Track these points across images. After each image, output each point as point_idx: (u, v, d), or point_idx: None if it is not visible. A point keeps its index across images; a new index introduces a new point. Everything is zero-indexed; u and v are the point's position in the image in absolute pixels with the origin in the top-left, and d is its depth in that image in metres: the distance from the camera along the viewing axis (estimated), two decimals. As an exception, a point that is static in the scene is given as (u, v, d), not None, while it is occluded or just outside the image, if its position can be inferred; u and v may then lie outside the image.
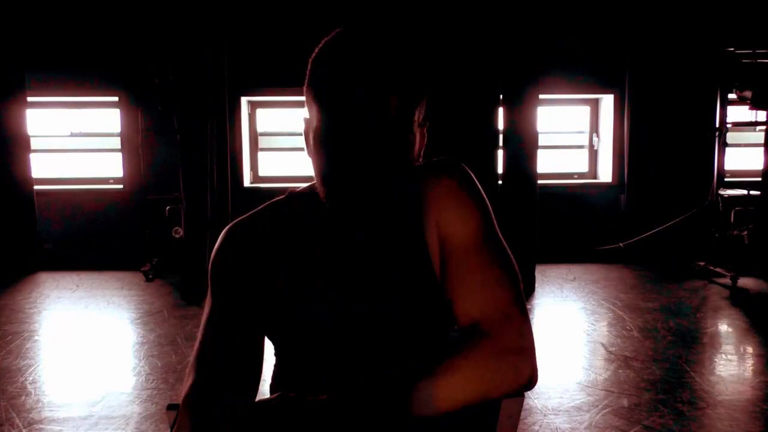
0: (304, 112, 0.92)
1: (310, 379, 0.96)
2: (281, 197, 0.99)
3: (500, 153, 4.57)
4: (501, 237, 0.93)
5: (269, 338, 0.98)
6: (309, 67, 0.87)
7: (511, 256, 0.92)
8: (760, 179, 4.89)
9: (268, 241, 0.94)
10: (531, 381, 0.88)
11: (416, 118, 0.88)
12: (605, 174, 5.94)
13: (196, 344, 0.91)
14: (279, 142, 5.97)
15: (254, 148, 5.87)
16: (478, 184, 0.95)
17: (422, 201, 0.93)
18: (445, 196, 0.92)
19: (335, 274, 0.93)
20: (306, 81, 0.88)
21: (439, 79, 4.47)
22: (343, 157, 0.84)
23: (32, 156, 5.36)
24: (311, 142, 0.88)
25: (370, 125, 0.82)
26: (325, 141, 0.85)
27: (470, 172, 0.95)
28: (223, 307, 0.92)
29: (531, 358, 0.88)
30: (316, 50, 0.88)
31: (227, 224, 0.98)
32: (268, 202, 0.99)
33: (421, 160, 0.94)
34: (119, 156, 5.78)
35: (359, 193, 0.85)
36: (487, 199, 0.94)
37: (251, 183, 5.81)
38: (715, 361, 3.19)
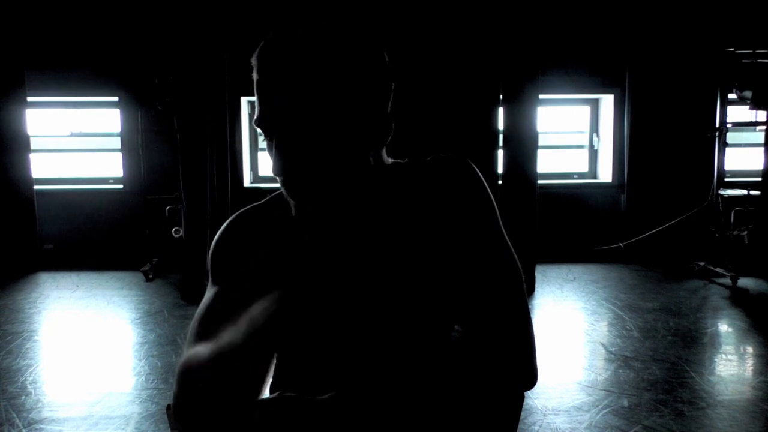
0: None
1: (310, 377, 0.96)
2: (281, 190, 1.00)
3: (500, 153, 4.57)
4: (506, 236, 0.92)
5: None
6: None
7: (515, 255, 0.91)
8: (760, 179, 4.89)
9: (269, 232, 0.95)
10: (531, 380, 0.88)
11: (372, 107, 0.86)
12: (605, 174, 5.93)
13: (194, 323, 0.91)
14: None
15: (254, 148, 5.87)
16: (484, 181, 0.94)
17: (428, 196, 0.92)
18: (453, 193, 0.91)
19: (333, 269, 0.93)
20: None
21: (440, 80, 4.47)
22: (282, 154, 0.83)
23: (32, 156, 5.35)
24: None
25: (303, 119, 0.81)
26: (267, 141, 0.85)
27: (477, 169, 0.94)
28: (223, 294, 0.92)
29: (531, 358, 0.88)
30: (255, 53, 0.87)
31: None
32: (270, 196, 1.00)
33: (382, 152, 0.93)
34: (119, 156, 5.78)
35: (309, 190, 0.85)
36: (492, 198, 0.94)
37: (251, 183, 5.81)
38: (715, 361, 3.19)
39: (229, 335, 0.80)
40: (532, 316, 0.93)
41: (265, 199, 1.01)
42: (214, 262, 0.96)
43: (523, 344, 0.87)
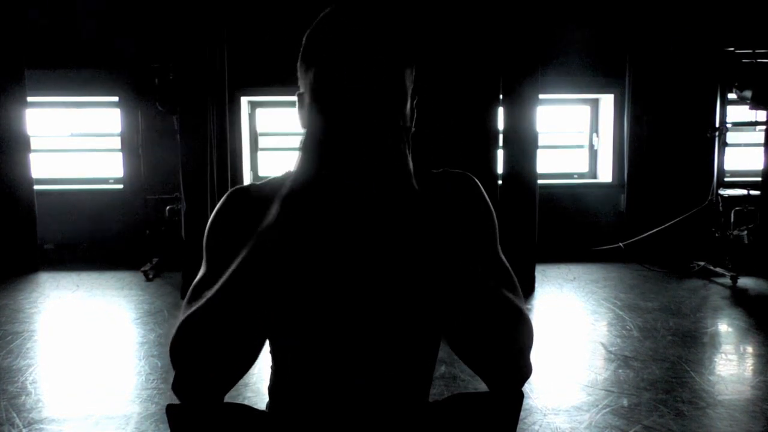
0: (298, 88, 0.94)
1: (305, 378, 0.95)
2: (280, 176, 0.99)
3: (500, 153, 4.57)
4: (501, 252, 0.97)
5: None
6: (305, 42, 0.89)
7: (509, 267, 0.96)
8: (760, 179, 4.89)
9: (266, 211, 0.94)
10: (522, 377, 0.88)
11: (409, 89, 0.90)
12: (605, 174, 5.93)
13: (187, 295, 0.89)
14: (279, 142, 5.97)
15: (254, 148, 5.87)
16: (488, 199, 0.99)
17: (434, 205, 0.92)
18: (459, 206, 0.94)
19: (330, 265, 0.92)
20: (302, 55, 0.90)
21: (440, 80, 4.47)
22: (342, 122, 0.82)
23: (32, 156, 5.35)
24: (307, 112, 0.89)
25: (371, 92, 0.83)
26: (325, 109, 0.84)
27: (482, 187, 1.00)
28: (217, 269, 0.88)
29: (528, 359, 0.89)
30: (314, 25, 0.89)
31: None
32: (270, 179, 0.99)
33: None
34: (119, 156, 5.78)
35: (356, 157, 0.81)
36: (495, 215, 0.99)
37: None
38: (715, 361, 3.19)
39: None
40: (531, 316, 0.93)
41: (262, 182, 0.99)
42: (210, 238, 0.94)
43: (527, 345, 0.87)
